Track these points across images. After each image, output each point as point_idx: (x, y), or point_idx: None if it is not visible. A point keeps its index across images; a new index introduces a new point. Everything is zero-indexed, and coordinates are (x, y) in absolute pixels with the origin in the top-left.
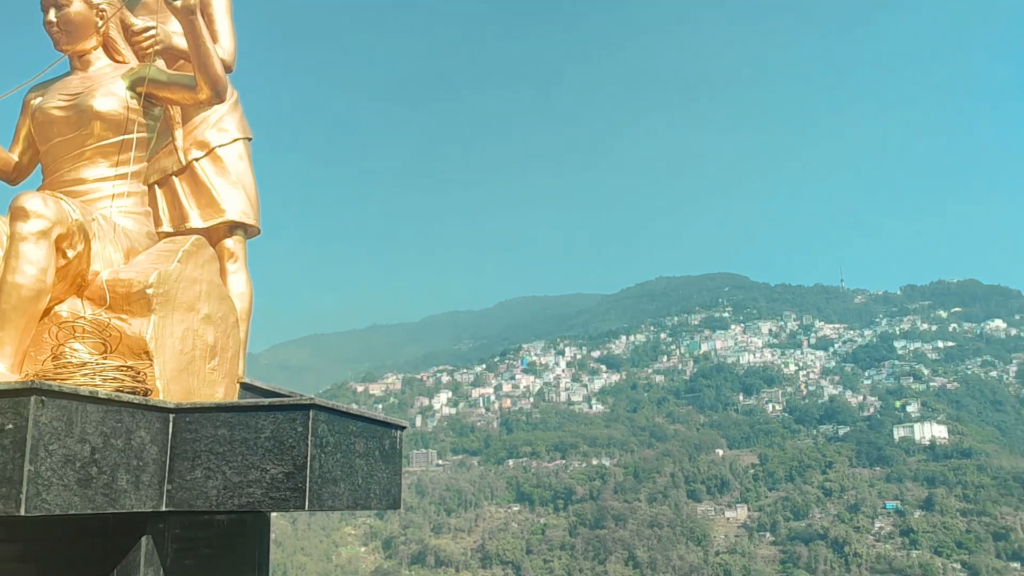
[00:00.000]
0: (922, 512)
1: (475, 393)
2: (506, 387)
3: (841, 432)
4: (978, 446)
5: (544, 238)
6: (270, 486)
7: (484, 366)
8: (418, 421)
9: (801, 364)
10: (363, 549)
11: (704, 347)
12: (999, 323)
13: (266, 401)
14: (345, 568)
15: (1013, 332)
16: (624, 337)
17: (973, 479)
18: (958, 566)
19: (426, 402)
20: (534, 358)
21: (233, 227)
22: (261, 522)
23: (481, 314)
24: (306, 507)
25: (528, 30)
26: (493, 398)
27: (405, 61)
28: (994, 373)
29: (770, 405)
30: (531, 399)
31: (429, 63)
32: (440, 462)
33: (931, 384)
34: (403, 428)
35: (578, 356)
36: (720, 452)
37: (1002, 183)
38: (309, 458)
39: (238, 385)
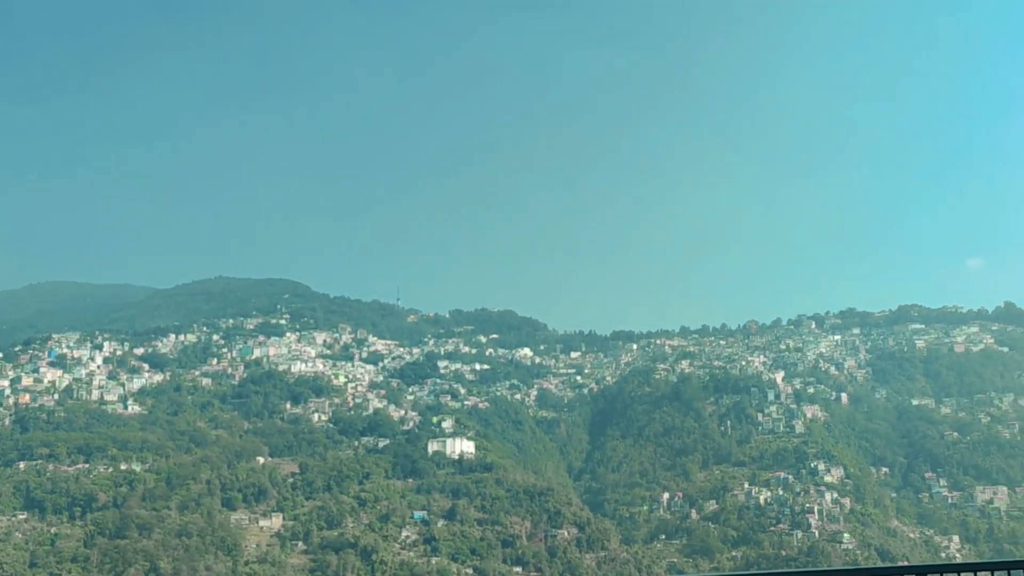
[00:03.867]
0: (445, 521)
1: None
2: (26, 380)
3: (381, 444)
4: (499, 461)
5: (100, 218)
6: None
7: (2, 355)
8: None
9: (351, 376)
10: None
11: (257, 352)
12: (527, 351)
13: None
14: None
15: (538, 360)
16: (173, 336)
17: (491, 491)
18: (471, 571)
19: None
20: (65, 350)
21: None
22: None
23: (5, 295)
24: None
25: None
26: (8, 392)
27: None
28: (518, 396)
29: (316, 415)
30: (56, 396)
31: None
32: None
33: (465, 403)
34: None
35: (118, 352)
36: (261, 460)
37: (526, 223)
38: None
39: None
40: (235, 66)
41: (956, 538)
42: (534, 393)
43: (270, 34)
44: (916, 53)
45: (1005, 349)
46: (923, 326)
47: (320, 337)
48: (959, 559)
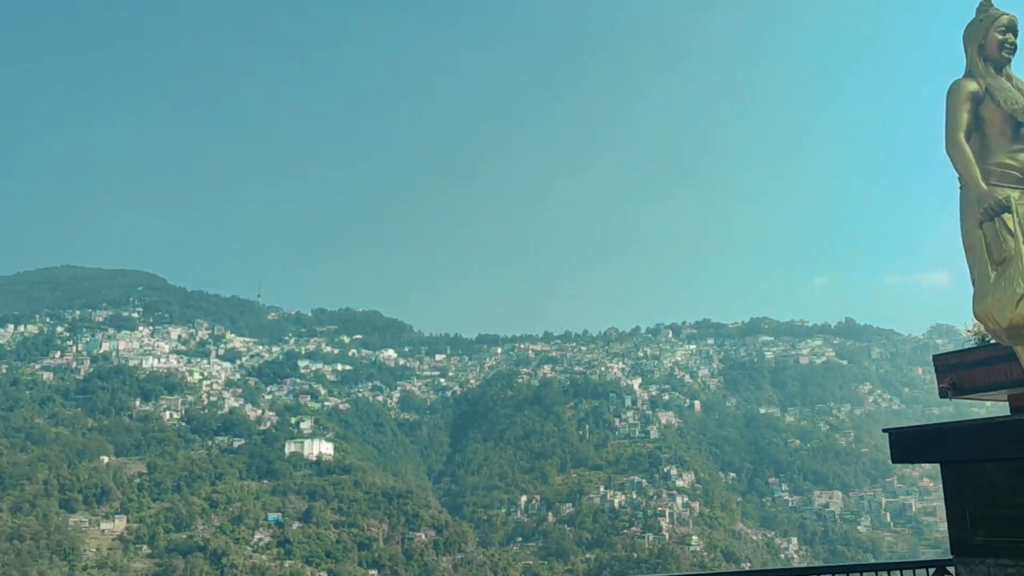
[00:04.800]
0: (300, 524)
1: None
2: None
3: (236, 444)
4: (358, 463)
5: None
6: None
7: None
8: None
9: (207, 374)
10: None
11: (105, 346)
12: (391, 353)
13: None
14: None
15: (402, 362)
16: (12, 326)
17: (349, 493)
18: (325, 574)
19: None
20: None
21: None
22: None
23: None
24: None
25: None
26: None
27: None
28: (380, 397)
29: (168, 413)
30: None
31: None
32: None
33: (326, 403)
34: None
35: None
36: (105, 459)
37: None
38: None
39: None
40: (94, 53)
41: (795, 540)
42: (397, 395)
43: (127, 25)
44: (776, 67)
45: (844, 362)
46: (772, 338)
47: (175, 332)
48: (796, 560)
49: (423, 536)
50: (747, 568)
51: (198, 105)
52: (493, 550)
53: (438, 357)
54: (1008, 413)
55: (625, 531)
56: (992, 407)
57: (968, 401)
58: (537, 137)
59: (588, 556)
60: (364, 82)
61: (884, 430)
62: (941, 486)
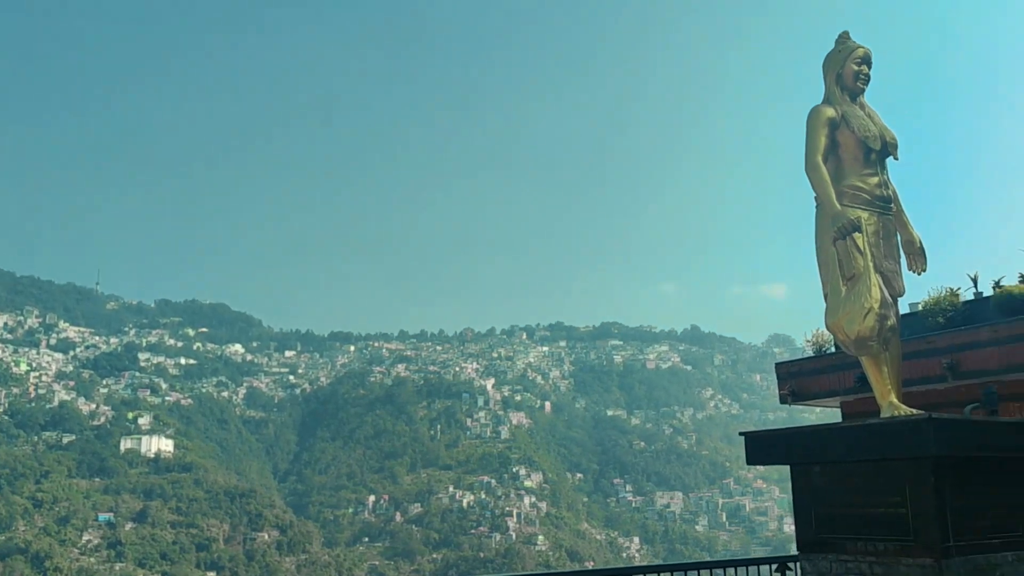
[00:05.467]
0: (134, 524)
1: None
2: None
3: (66, 440)
4: (199, 461)
5: None
6: None
7: None
8: None
9: (35, 365)
10: None
11: None
12: (239, 347)
13: None
14: None
15: (249, 357)
16: None
17: (189, 492)
18: None
19: None
20: None
21: None
22: None
23: None
24: None
25: None
26: None
27: None
28: (225, 393)
29: None
30: None
31: None
32: None
33: (167, 398)
34: None
35: None
36: None
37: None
38: None
39: None
40: None
41: (636, 539)
42: (243, 391)
43: None
44: (645, 70)
45: (689, 367)
46: (621, 342)
47: (1, 320)
48: (638, 559)
49: (266, 536)
50: (590, 567)
51: (43, 83)
52: (339, 550)
53: (288, 354)
54: (840, 419)
55: (473, 531)
56: (822, 413)
57: (800, 407)
58: (395, 135)
59: (435, 556)
60: (219, 73)
61: (741, 433)
62: (774, 487)
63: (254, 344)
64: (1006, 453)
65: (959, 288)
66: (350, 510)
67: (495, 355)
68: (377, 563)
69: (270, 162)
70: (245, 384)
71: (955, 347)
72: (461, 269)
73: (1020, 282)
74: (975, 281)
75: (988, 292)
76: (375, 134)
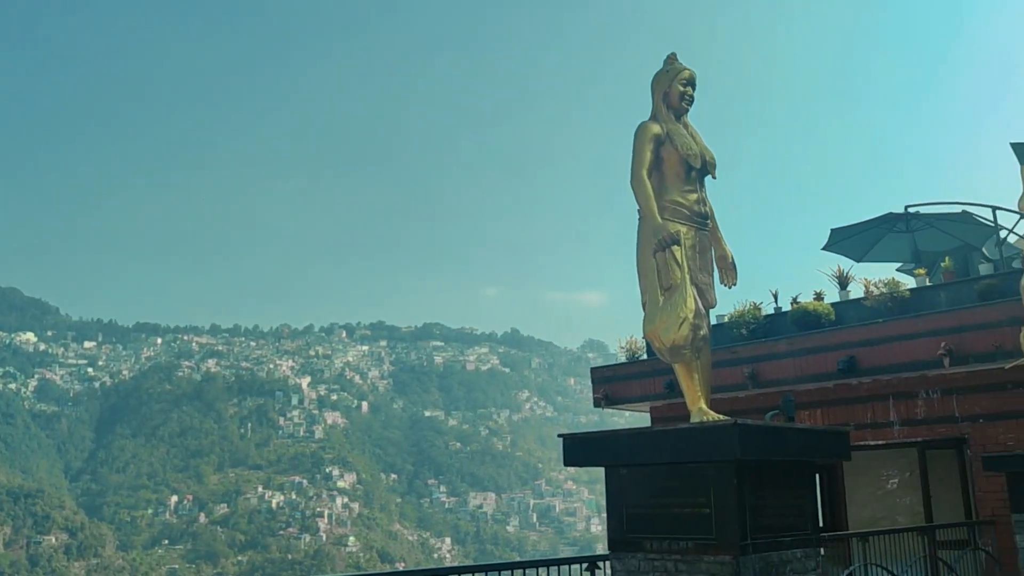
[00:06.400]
0: None
1: None
2: None
3: None
4: None
5: None
6: None
7: None
8: None
9: None
10: None
11: None
12: (30, 336)
13: None
14: None
15: (43, 347)
16: None
17: None
18: None
19: None
20: None
21: None
22: None
23: None
24: None
25: None
26: None
27: None
28: (13, 386)
29: None
30: None
31: None
32: None
33: None
34: None
35: None
36: None
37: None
38: None
39: None
40: None
41: (448, 540)
42: (34, 383)
43: None
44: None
45: (507, 370)
46: (443, 343)
47: None
48: (449, 559)
49: (53, 540)
50: (400, 568)
51: None
52: (135, 553)
53: (87, 344)
54: (649, 423)
55: (281, 532)
56: (631, 416)
57: (611, 411)
58: (217, 125)
59: (240, 558)
60: (37, 50)
61: (559, 435)
62: (583, 489)
63: (49, 333)
64: (798, 457)
65: (761, 303)
66: (149, 511)
67: (312, 353)
68: (177, 566)
69: (73, 145)
70: (37, 376)
71: (756, 357)
72: (281, 264)
73: (815, 299)
74: (776, 297)
75: (787, 307)
76: (198, 122)
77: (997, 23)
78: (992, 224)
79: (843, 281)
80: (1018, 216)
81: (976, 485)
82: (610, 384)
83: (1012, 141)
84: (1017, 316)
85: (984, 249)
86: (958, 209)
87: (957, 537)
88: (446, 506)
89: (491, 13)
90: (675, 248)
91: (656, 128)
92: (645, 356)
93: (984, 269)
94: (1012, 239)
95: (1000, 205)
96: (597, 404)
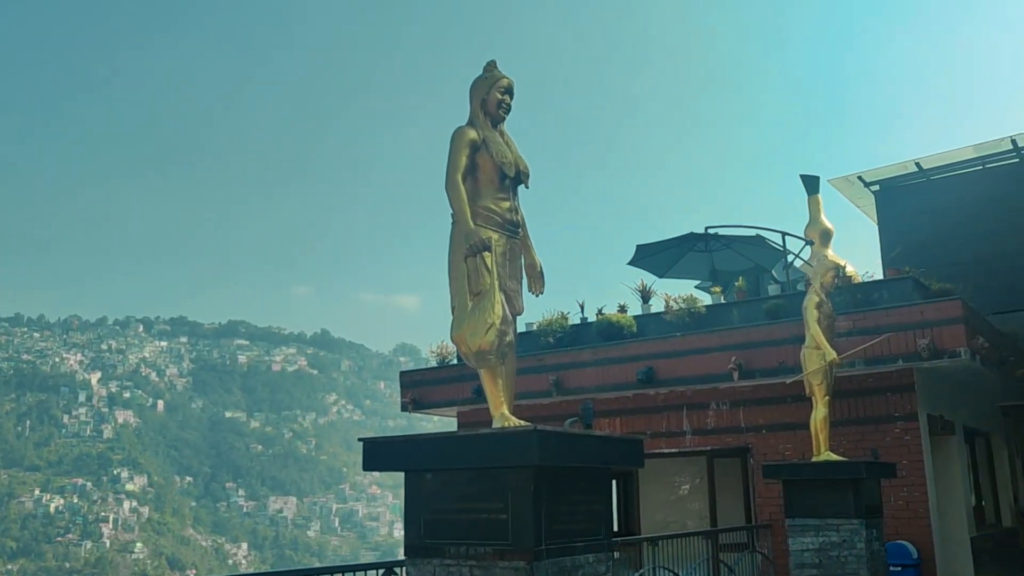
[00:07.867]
0: None
1: None
2: None
3: None
4: None
5: None
6: None
7: None
8: None
9: None
10: None
11: None
12: None
13: None
14: None
15: None
16: None
17: None
18: None
19: None
20: None
21: None
22: None
23: None
24: None
25: None
26: None
27: None
28: None
29: None
30: None
31: None
32: None
33: None
34: None
35: None
36: None
37: None
38: None
39: None
40: None
41: (245, 545)
42: None
43: None
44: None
45: (315, 371)
46: (248, 342)
47: None
48: (245, 564)
49: None
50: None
51: None
52: None
53: None
54: (456, 428)
55: (59, 538)
56: (439, 421)
57: (420, 415)
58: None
59: (11, 567)
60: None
61: (360, 439)
62: (388, 493)
63: None
64: (595, 463)
65: (568, 312)
66: None
67: (104, 347)
68: None
69: None
70: None
71: (561, 365)
72: (72, 254)
73: (619, 311)
74: (582, 307)
75: (593, 318)
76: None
77: (814, 54)
78: (781, 248)
79: (646, 295)
80: (804, 242)
81: (756, 491)
82: (419, 388)
83: (802, 173)
84: (799, 335)
85: (774, 271)
86: (753, 232)
87: (738, 540)
88: (244, 510)
89: (329, 14)
90: (486, 254)
91: (473, 134)
92: (455, 361)
93: (773, 290)
94: (798, 263)
95: (789, 231)
96: (404, 408)
